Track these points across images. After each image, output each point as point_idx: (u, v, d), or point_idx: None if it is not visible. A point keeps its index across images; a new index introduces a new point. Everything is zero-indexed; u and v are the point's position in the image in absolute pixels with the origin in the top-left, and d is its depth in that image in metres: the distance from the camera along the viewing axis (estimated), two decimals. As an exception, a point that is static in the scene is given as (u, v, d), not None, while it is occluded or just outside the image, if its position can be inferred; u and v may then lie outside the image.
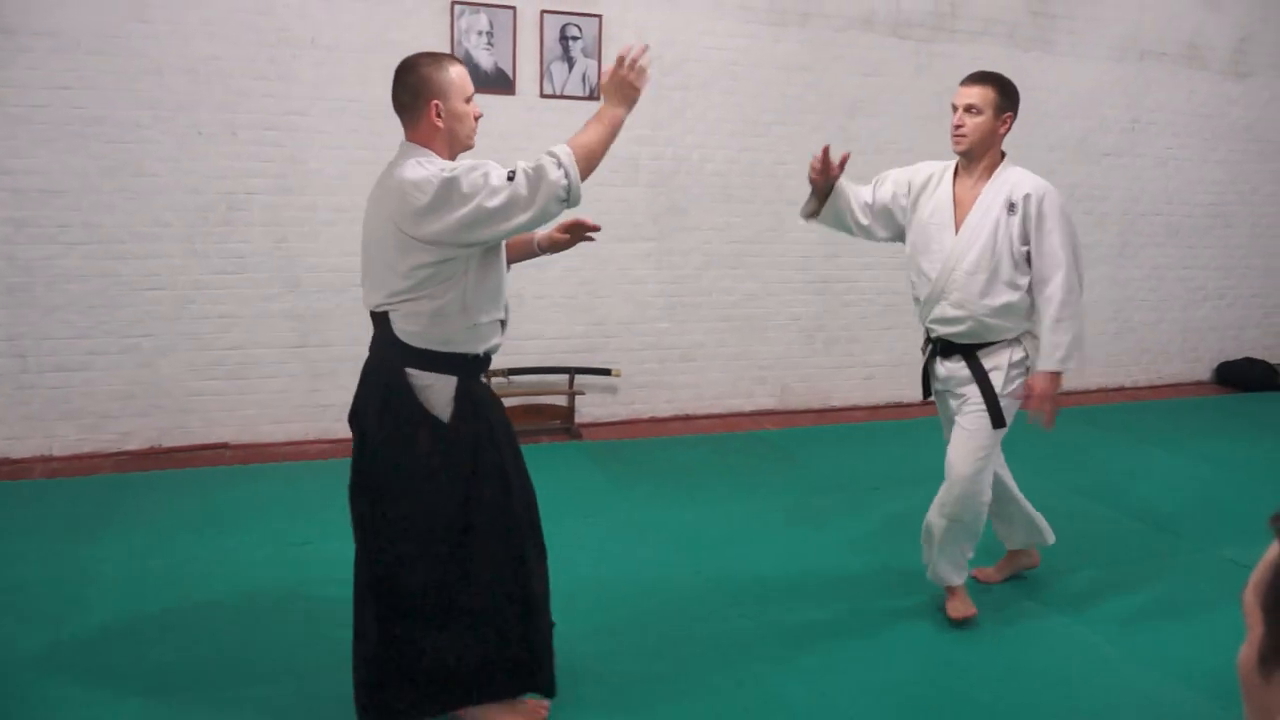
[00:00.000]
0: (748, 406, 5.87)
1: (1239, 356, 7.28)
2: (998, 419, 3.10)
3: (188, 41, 4.55)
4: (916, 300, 3.27)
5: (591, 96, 5.18)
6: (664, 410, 5.67)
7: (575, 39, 5.14)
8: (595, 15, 5.13)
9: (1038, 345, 3.09)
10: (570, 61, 5.15)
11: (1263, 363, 7.22)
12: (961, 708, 2.77)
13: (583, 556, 3.77)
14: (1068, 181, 6.40)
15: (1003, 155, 3.20)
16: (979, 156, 3.12)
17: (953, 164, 3.23)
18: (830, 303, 5.97)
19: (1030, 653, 3.14)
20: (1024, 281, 3.07)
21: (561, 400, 5.36)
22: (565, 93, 5.16)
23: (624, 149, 5.28)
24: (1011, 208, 3.05)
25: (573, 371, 5.35)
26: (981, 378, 3.12)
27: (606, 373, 5.43)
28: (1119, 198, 6.63)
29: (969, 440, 3.13)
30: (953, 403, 3.24)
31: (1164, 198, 6.80)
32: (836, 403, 6.11)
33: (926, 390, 3.43)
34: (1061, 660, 3.08)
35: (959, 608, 3.26)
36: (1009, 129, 3.16)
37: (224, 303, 4.77)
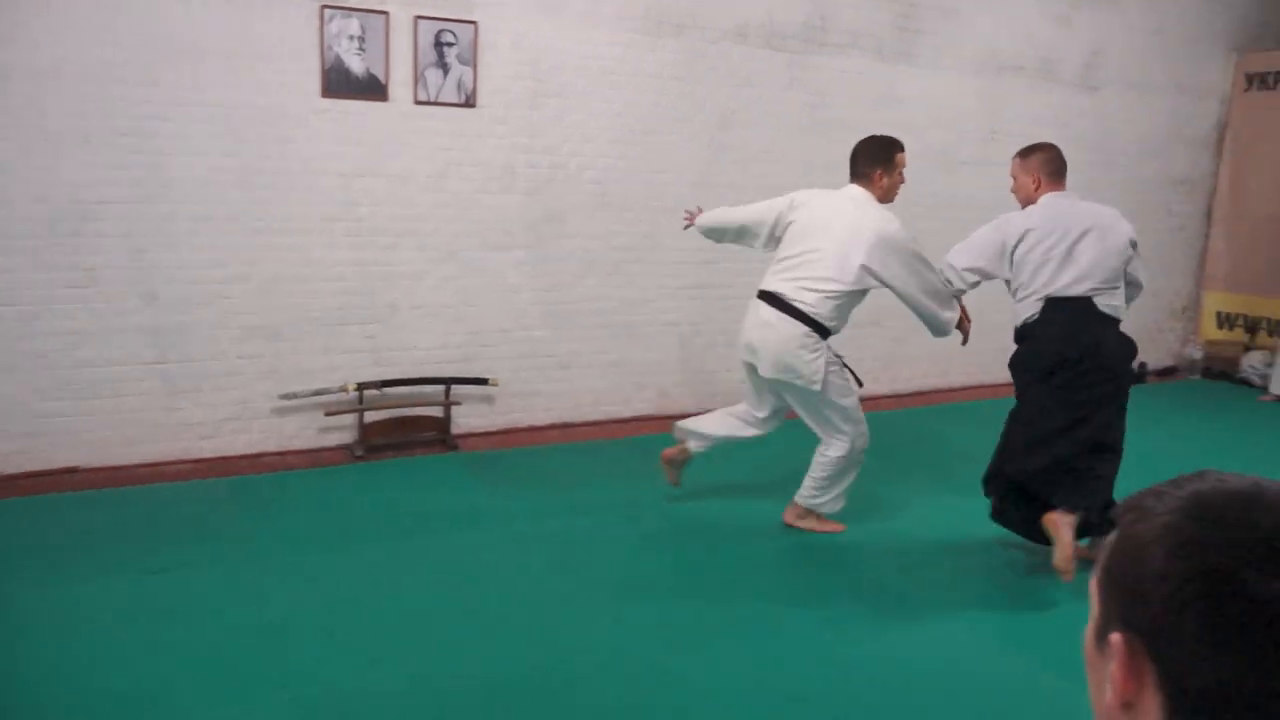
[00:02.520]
0: (626, 413, 5.91)
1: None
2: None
3: (36, 45, 4.27)
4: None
5: (467, 104, 5.11)
6: (542, 419, 5.66)
7: (450, 45, 5.04)
8: (470, 22, 5.05)
9: None
10: (445, 68, 5.05)
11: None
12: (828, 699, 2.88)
13: (463, 568, 3.76)
14: (930, 189, 6.65)
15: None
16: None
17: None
18: (707, 307, 6.06)
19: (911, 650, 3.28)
20: None
21: (437, 411, 5.29)
22: (440, 99, 5.07)
23: (500, 156, 5.24)
24: None
25: (449, 382, 5.28)
26: None
27: (483, 382, 5.38)
28: (980, 204, 6.90)
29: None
30: None
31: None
32: (713, 405, 6.19)
33: None
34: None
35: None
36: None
37: (73, 318, 4.51)
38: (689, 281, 5.96)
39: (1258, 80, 7.86)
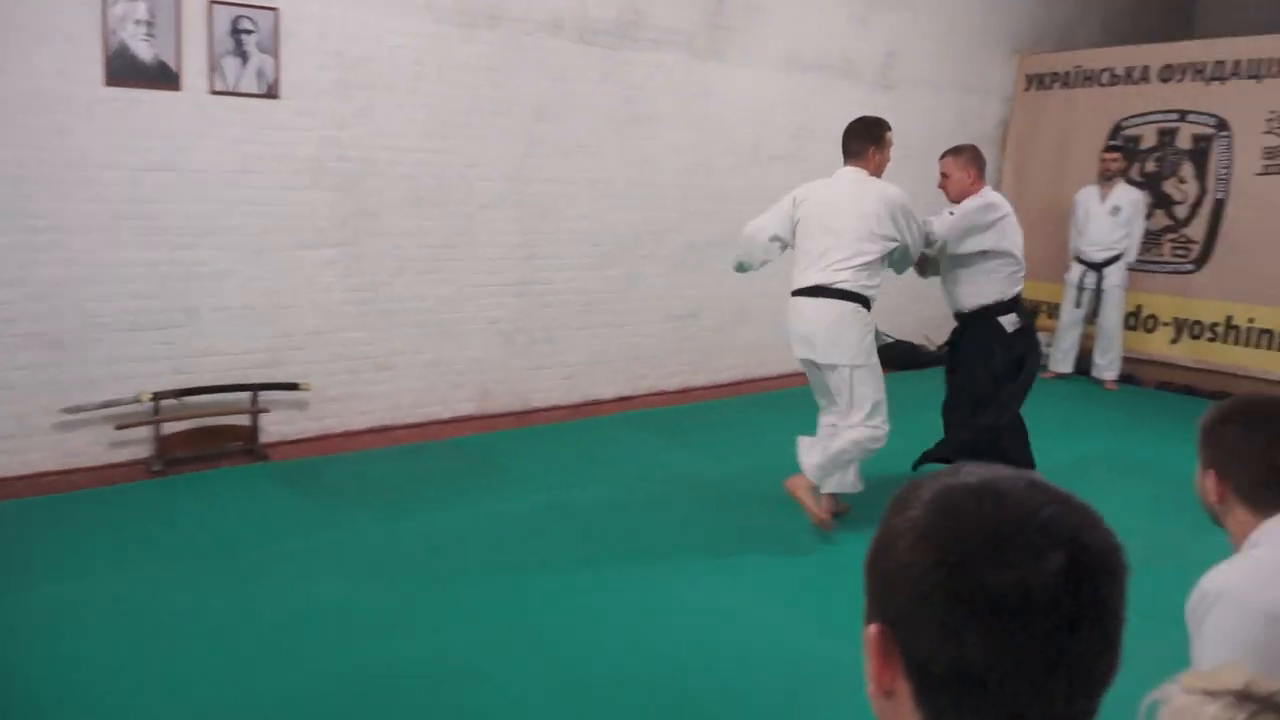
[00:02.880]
0: (446, 414, 5.78)
1: (892, 339, 8.14)
2: None
3: None
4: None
5: (269, 94, 4.84)
6: (359, 423, 5.46)
7: (249, 33, 4.76)
8: (271, 8, 4.77)
9: None
10: (244, 56, 4.76)
11: (909, 343, 8.13)
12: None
13: (275, 583, 3.57)
14: (743, 184, 6.83)
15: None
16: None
17: None
18: (527, 304, 6.00)
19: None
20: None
21: (244, 420, 5.01)
22: (239, 89, 4.77)
23: (306, 150, 5.00)
24: None
25: (256, 388, 5.00)
26: None
27: (294, 387, 5.13)
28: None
29: None
30: None
31: (827, 197, 7.42)
32: (537, 403, 6.17)
33: None
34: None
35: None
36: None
37: None
38: (510, 278, 5.88)
39: (1036, 81, 8.49)
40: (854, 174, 4.30)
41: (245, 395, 5.00)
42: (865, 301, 4.19)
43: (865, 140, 4.32)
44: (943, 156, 4.72)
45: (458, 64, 5.40)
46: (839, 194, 4.23)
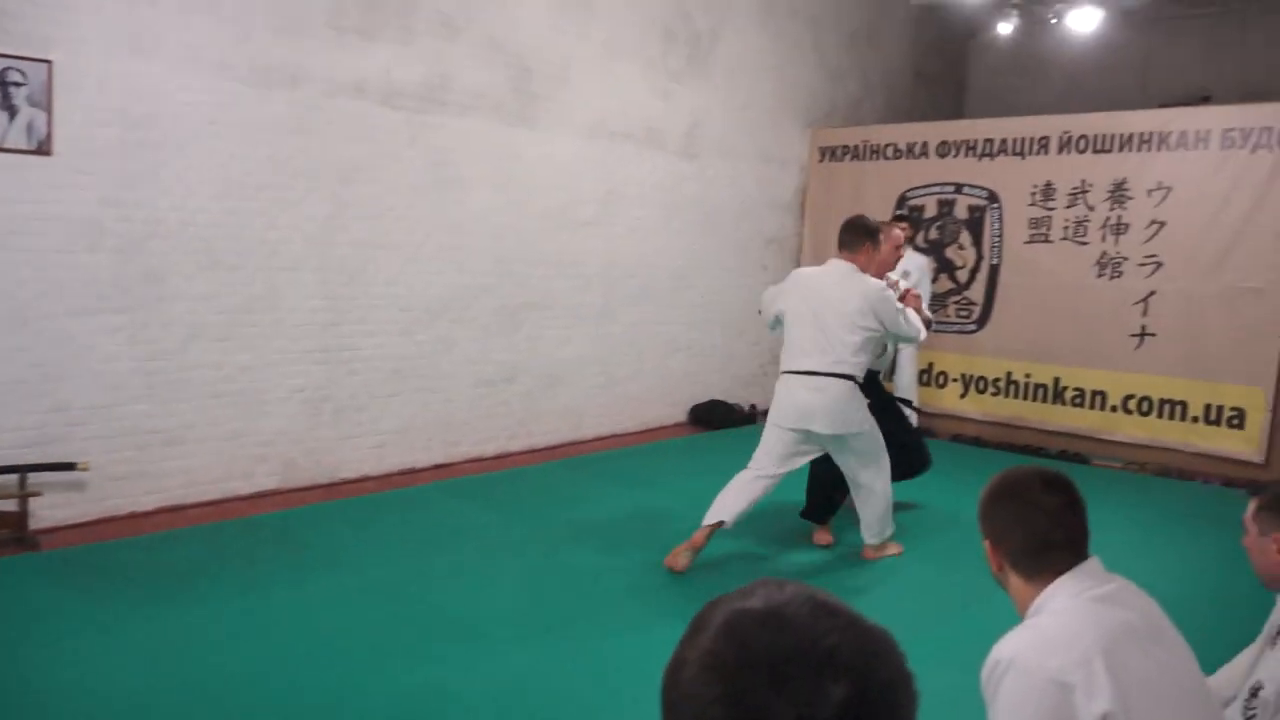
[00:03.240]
0: (247, 489, 5.45)
1: (706, 399, 8.34)
2: None
3: None
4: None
5: (40, 151, 4.51)
6: (146, 503, 5.05)
7: (18, 85, 4.43)
8: (44, 60, 4.47)
9: None
10: (12, 110, 4.43)
11: (724, 403, 8.35)
12: None
13: (57, 688, 3.20)
14: (554, 247, 6.90)
15: None
16: None
17: None
18: (334, 371, 5.78)
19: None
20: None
21: (10, 505, 4.53)
22: (5, 145, 4.43)
23: (83, 210, 4.68)
24: None
25: (24, 470, 4.55)
26: None
27: (71, 467, 4.71)
28: (598, 262, 7.28)
29: None
30: None
31: (637, 261, 7.60)
32: (346, 474, 5.91)
33: None
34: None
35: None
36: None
37: None
38: (313, 345, 5.66)
39: (829, 153, 9.04)
40: (843, 267, 4.68)
41: (11, 478, 4.54)
42: (856, 381, 4.64)
43: (862, 237, 4.72)
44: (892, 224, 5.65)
45: (256, 124, 5.22)
46: (821, 287, 4.67)
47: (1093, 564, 1.85)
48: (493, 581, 4.42)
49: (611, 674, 3.55)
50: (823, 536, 5.21)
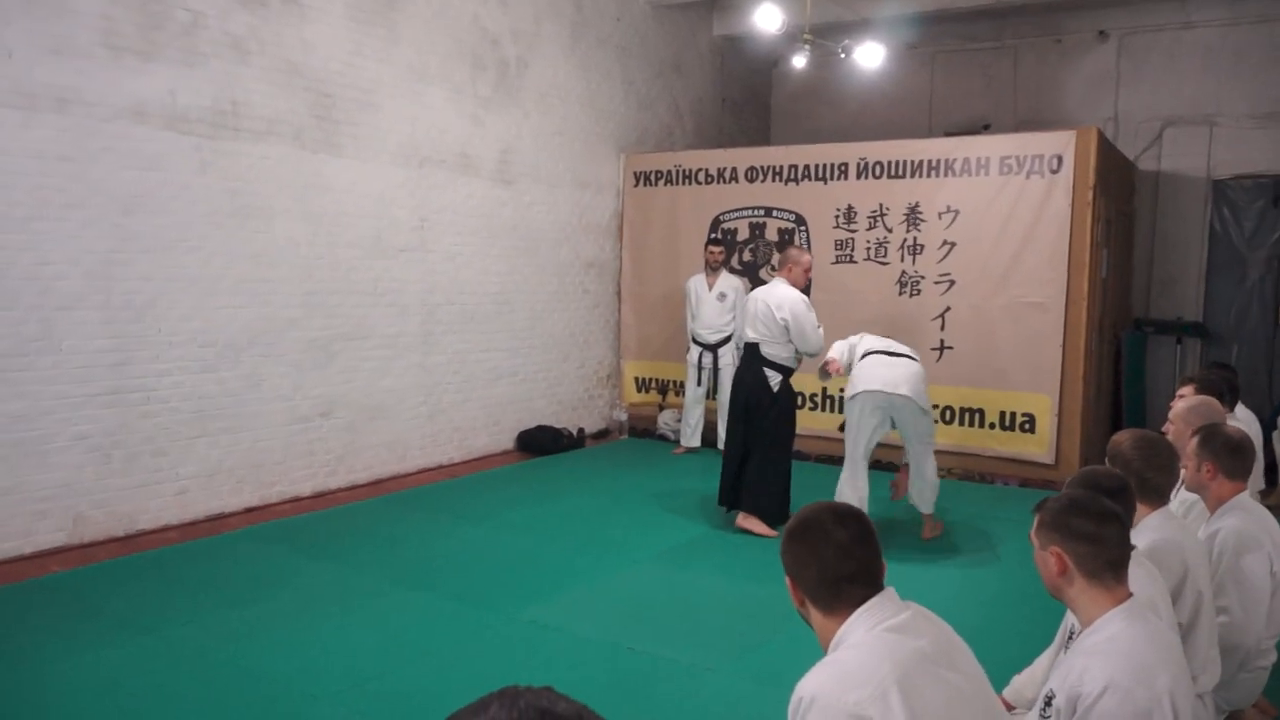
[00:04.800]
0: (28, 548, 4.95)
1: (533, 425, 8.25)
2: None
3: None
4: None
5: None
6: (-96, 571, 4.52)
7: None
8: None
9: None
10: None
11: (551, 428, 8.29)
12: None
13: None
14: (369, 276, 6.67)
15: None
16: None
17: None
18: (125, 415, 5.36)
19: None
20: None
21: None
22: None
23: None
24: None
25: None
26: None
27: None
28: (416, 290, 7.10)
29: None
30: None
31: (456, 288, 7.45)
32: (144, 525, 5.48)
33: None
34: None
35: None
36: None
37: None
38: (101, 387, 5.23)
39: (643, 178, 9.18)
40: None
41: None
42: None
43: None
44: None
45: (20, 150, 4.79)
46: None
47: (887, 594, 1.92)
48: (309, 637, 4.16)
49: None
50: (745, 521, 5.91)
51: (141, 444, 5.44)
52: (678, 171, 9.02)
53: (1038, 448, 7.45)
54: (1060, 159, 7.24)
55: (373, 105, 6.62)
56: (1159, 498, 3.00)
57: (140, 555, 5.16)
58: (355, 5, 6.45)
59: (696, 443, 8.37)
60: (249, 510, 6.01)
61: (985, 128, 9.97)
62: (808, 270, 6.09)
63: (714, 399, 8.31)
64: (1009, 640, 3.53)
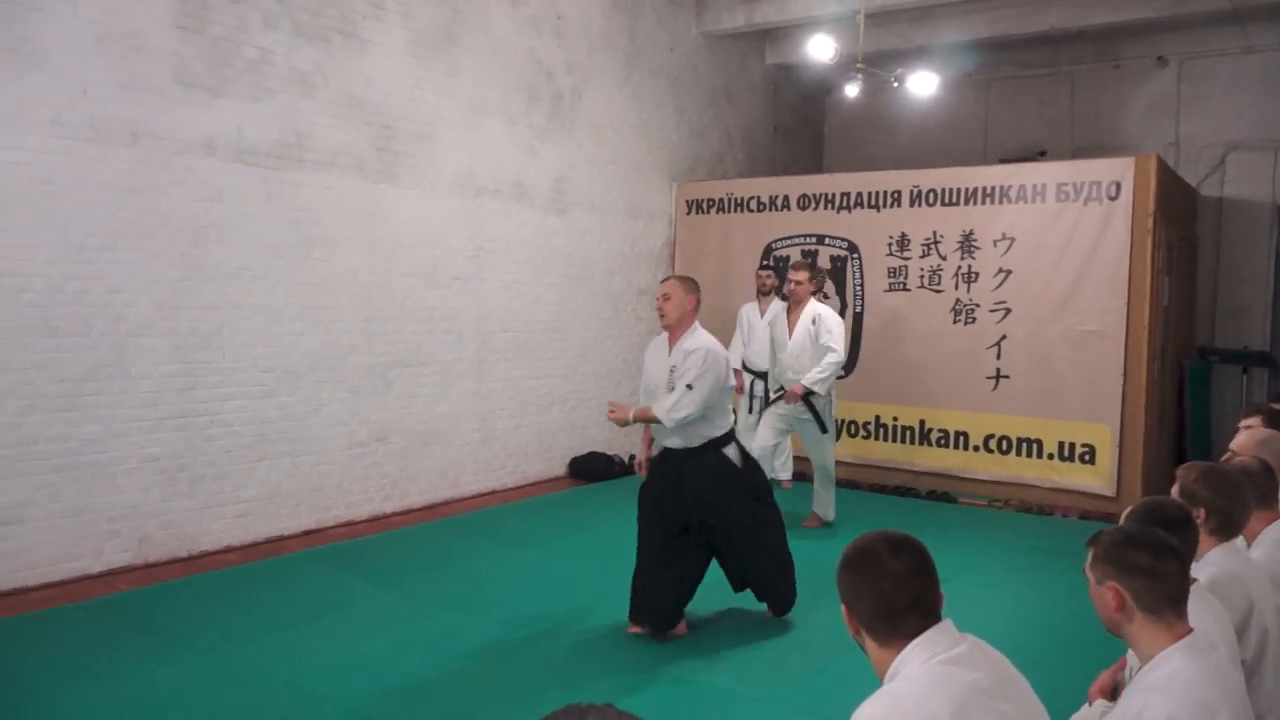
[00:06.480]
0: (97, 567, 5.10)
1: (585, 451, 8.30)
2: (823, 427, 6.58)
3: None
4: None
5: None
6: (-22, 589, 4.68)
7: None
8: None
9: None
10: None
11: (603, 454, 8.32)
12: None
13: None
14: (425, 304, 6.80)
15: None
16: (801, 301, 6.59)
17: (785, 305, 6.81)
18: (191, 438, 5.50)
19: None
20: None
21: None
22: None
23: (-98, 278, 4.35)
24: (813, 322, 6.46)
25: None
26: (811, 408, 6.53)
27: (-110, 554, 4.33)
28: (471, 318, 7.21)
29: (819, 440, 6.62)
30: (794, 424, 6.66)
31: (510, 316, 7.55)
32: (207, 546, 5.61)
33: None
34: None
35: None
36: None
37: None
38: (168, 411, 5.38)
39: (695, 205, 9.24)
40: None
41: None
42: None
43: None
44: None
45: (94, 183, 4.98)
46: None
47: (945, 626, 1.89)
48: (363, 660, 4.20)
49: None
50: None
51: (205, 467, 5.58)
52: (730, 199, 9.06)
53: (1098, 479, 7.30)
54: (1119, 185, 7.15)
55: (431, 137, 6.77)
56: (1229, 531, 2.92)
57: (203, 576, 5.28)
58: (416, 40, 6.62)
59: (787, 475, 8.19)
60: (306, 533, 6.12)
61: (1041, 154, 9.87)
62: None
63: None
64: (1065, 677, 3.46)
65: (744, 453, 4.79)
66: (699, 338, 4.64)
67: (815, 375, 6.43)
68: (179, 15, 5.28)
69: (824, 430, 6.58)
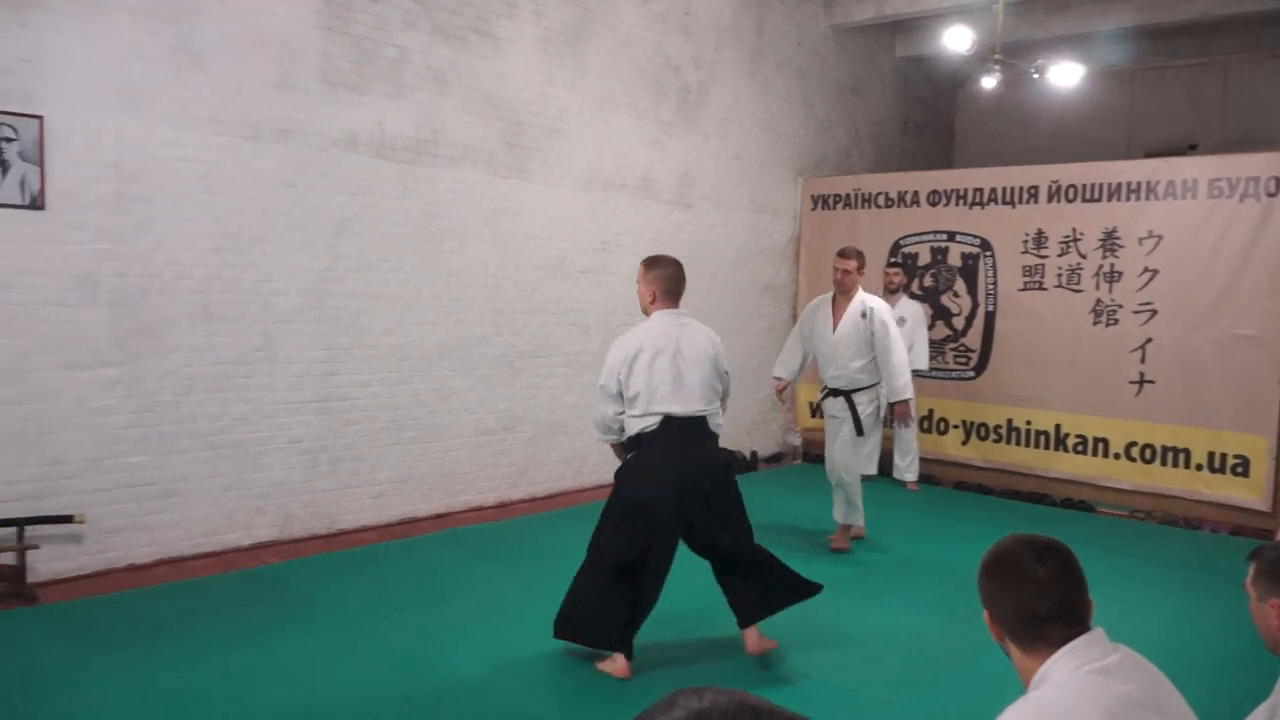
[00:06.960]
0: (246, 540, 5.40)
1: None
2: (859, 429, 5.98)
3: None
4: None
5: (33, 205, 4.55)
6: (144, 555, 5.00)
7: (10, 140, 4.49)
8: (35, 116, 4.53)
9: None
10: (4, 166, 4.48)
11: (725, 450, 8.27)
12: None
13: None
14: (553, 296, 6.92)
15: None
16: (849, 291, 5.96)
17: (830, 294, 6.13)
18: (332, 422, 5.76)
19: None
20: (870, 354, 5.90)
21: (7, 558, 4.49)
22: None
23: (76, 264, 4.70)
24: (864, 315, 5.87)
25: (20, 523, 4.51)
26: (851, 407, 5.95)
27: (67, 520, 4.67)
28: (598, 310, 7.31)
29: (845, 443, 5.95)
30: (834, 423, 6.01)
31: (636, 310, 7.55)
32: (345, 525, 5.87)
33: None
34: None
35: (837, 540, 5.99)
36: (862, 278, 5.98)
37: None
38: (312, 394, 5.65)
39: (821, 201, 9.12)
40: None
41: (8, 531, 4.50)
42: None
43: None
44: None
45: (248, 177, 5.27)
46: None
47: (1096, 635, 1.80)
48: (491, 638, 4.32)
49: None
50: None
51: (344, 449, 5.83)
52: (857, 195, 8.92)
53: (1251, 493, 6.88)
54: (1278, 181, 6.72)
55: (560, 132, 6.90)
56: None
57: (341, 553, 5.52)
58: (547, 38, 6.75)
59: (873, 470, 8.07)
60: (437, 516, 6.32)
61: (1191, 148, 9.36)
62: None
63: (891, 427, 8.09)
64: (1218, 695, 3.29)
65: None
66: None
67: (901, 382, 5.87)
68: (324, 16, 5.53)
69: (860, 433, 5.95)
